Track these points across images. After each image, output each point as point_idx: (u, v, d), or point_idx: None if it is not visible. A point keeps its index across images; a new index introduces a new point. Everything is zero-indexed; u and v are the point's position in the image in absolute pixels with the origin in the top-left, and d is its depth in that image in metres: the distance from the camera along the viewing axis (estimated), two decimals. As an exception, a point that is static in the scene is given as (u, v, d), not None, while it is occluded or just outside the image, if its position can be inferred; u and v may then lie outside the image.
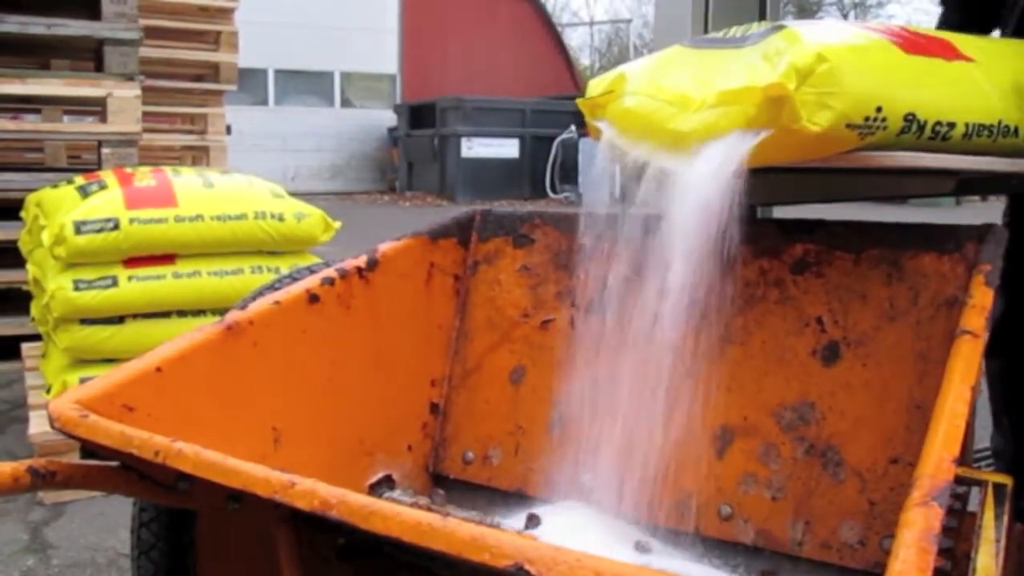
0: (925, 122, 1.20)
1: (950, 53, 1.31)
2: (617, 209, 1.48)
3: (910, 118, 1.19)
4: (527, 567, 0.71)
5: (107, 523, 2.44)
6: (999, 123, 1.30)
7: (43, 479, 1.06)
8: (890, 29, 1.30)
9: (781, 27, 1.27)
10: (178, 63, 5.53)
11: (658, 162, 1.32)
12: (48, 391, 2.79)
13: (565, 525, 1.43)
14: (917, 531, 0.68)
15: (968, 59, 1.32)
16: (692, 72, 1.35)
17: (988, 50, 1.40)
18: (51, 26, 3.62)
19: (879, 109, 1.16)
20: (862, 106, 1.16)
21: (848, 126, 1.15)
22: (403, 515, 0.79)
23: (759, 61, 1.25)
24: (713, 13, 2.37)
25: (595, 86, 1.47)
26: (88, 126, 4.57)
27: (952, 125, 1.23)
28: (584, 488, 1.50)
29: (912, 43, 1.28)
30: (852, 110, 1.15)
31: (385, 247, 1.58)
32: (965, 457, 1.00)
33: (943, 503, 0.71)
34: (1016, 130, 1.32)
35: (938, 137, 1.23)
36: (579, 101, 1.49)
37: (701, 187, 1.25)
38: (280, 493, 0.87)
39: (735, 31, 1.38)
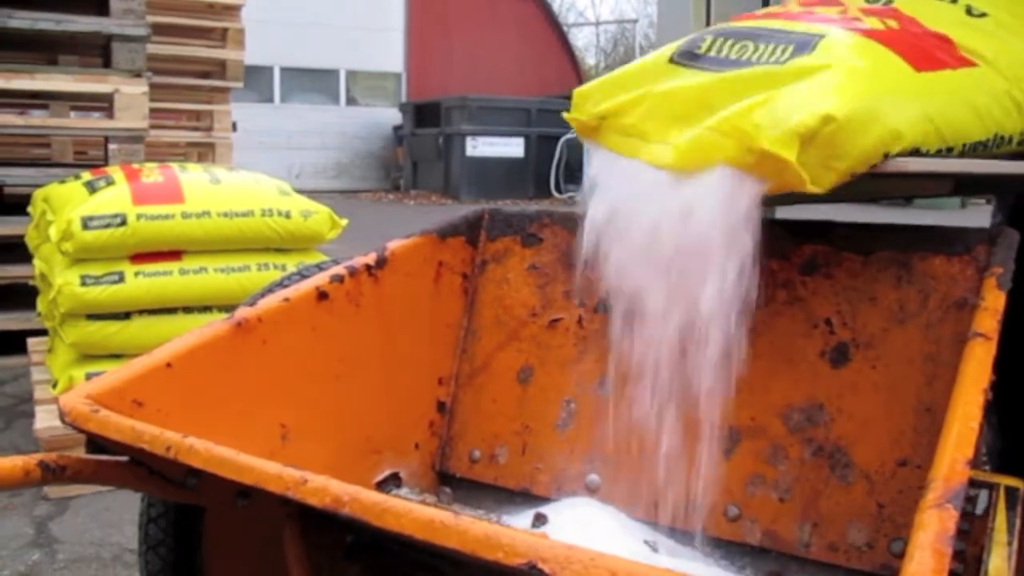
0: (928, 151, 1.22)
1: (954, 59, 1.30)
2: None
3: (914, 151, 1.20)
4: (540, 565, 0.71)
5: (112, 518, 2.44)
6: (995, 136, 1.31)
7: (53, 473, 1.06)
8: (896, 33, 1.29)
9: (786, 53, 1.27)
10: (185, 60, 5.54)
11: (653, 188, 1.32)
12: (54, 386, 2.79)
13: (572, 524, 1.43)
14: (932, 533, 0.68)
15: (971, 63, 1.31)
16: (686, 99, 1.34)
17: (989, 41, 1.38)
18: (60, 22, 3.62)
19: (886, 154, 1.17)
20: (869, 158, 1.16)
21: (853, 175, 1.16)
22: (415, 512, 0.79)
23: (759, 99, 1.24)
24: (715, 13, 2.37)
25: (582, 101, 1.47)
26: (95, 122, 4.56)
27: (951, 149, 1.26)
28: (591, 488, 1.51)
29: (919, 50, 1.27)
30: (859, 165, 1.15)
31: (394, 245, 1.58)
32: (976, 460, 1.00)
33: (957, 505, 0.71)
34: (1011, 139, 1.33)
35: (938, 155, 1.24)
36: (567, 117, 1.48)
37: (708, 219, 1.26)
38: (292, 490, 0.87)
39: (731, 49, 1.37)
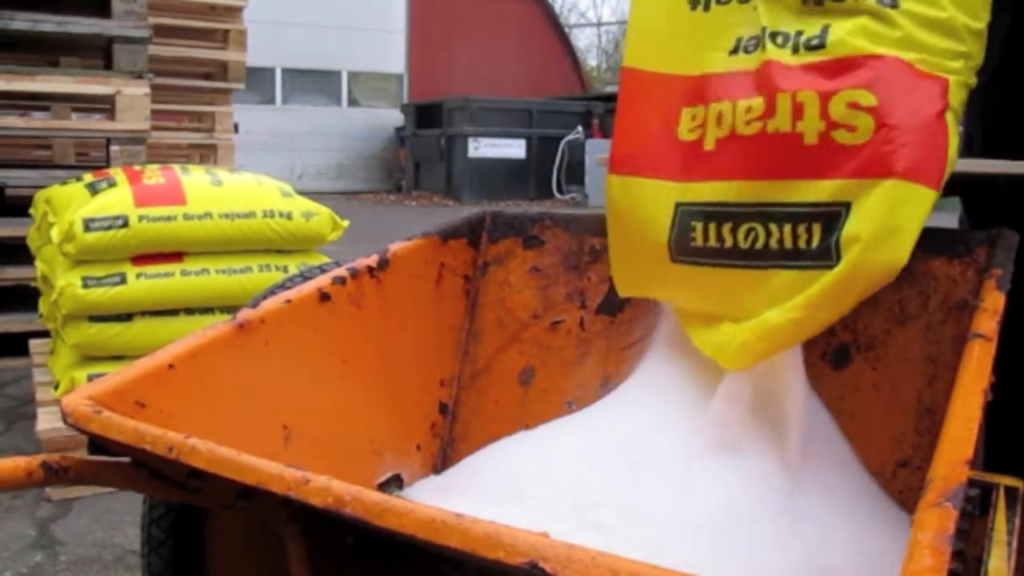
0: None
1: (935, 94, 1.23)
2: None
3: None
4: (542, 564, 0.71)
5: (114, 520, 2.44)
6: None
7: (56, 475, 1.07)
8: (892, 131, 1.21)
9: (815, 238, 1.23)
10: (187, 61, 5.53)
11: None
12: (56, 388, 2.79)
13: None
14: (931, 532, 0.68)
15: (942, 83, 1.24)
16: (728, 297, 1.34)
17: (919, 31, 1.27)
18: (61, 24, 3.62)
19: None
20: None
21: None
22: (417, 512, 0.79)
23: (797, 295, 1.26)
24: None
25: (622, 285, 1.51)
26: (97, 123, 4.57)
27: None
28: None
29: (924, 148, 1.21)
30: None
31: (396, 247, 1.59)
32: (976, 460, 1.00)
33: (956, 504, 0.71)
34: None
35: None
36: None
37: None
38: (294, 489, 0.87)
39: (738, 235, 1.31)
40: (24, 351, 3.51)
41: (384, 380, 1.55)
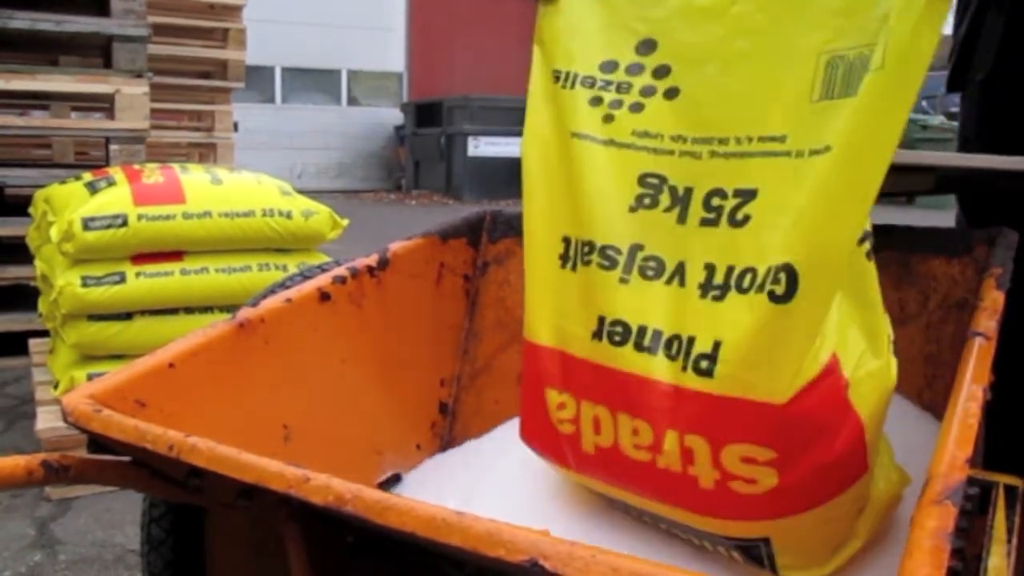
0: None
1: None
2: None
3: None
4: (542, 562, 0.71)
5: (114, 519, 2.44)
6: None
7: (56, 474, 1.07)
8: None
9: None
10: (186, 60, 5.53)
11: None
12: (55, 387, 2.79)
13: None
14: (930, 530, 0.68)
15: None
16: None
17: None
18: (60, 23, 3.62)
19: None
20: None
21: None
22: (418, 510, 0.79)
23: None
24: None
25: None
26: (96, 123, 4.56)
27: None
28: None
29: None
30: None
31: (396, 246, 1.59)
32: (976, 458, 1.00)
33: (956, 502, 0.71)
34: None
35: None
36: None
37: None
38: (295, 488, 0.87)
39: None
40: (24, 350, 3.51)
41: (384, 380, 1.55)
